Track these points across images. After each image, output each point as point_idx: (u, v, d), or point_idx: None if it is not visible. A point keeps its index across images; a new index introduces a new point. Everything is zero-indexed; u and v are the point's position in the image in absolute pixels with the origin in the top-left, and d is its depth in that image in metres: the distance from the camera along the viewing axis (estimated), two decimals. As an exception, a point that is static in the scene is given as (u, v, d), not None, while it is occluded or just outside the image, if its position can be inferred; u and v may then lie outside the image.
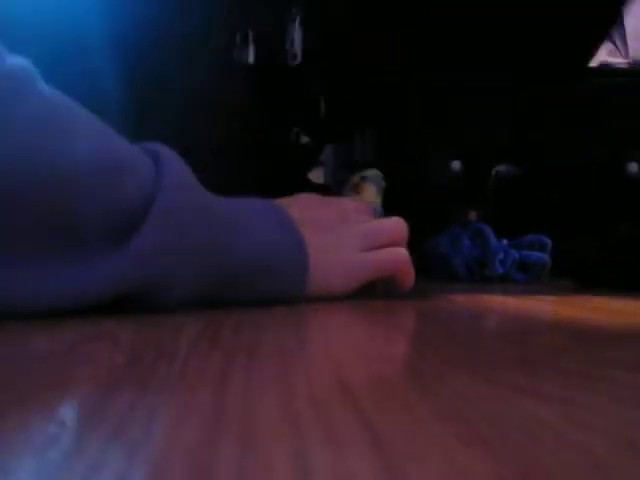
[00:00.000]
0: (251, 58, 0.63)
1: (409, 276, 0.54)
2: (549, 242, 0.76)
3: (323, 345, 0.32)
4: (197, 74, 0.64)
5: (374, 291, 0.55)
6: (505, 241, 0.77)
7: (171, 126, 0.64)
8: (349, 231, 0.52)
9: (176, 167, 0.41)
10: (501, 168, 0.81)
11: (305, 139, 0.67)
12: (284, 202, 0.51)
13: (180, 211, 0.40)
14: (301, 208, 0.51)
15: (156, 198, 0.39)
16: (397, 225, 0.55)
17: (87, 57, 0.63)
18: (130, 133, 0.63)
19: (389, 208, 0.83)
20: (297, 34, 0.66)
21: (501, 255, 0.76)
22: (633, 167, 0.76)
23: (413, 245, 0.81)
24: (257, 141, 0.69)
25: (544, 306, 0.52)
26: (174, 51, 0.64)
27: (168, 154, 0.42)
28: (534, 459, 0.16)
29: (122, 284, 0.38)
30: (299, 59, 0.66)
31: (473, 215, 0.81)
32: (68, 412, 0.20)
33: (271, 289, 0.46)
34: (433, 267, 0.79)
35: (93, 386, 0.23)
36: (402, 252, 0.53)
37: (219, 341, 0.32)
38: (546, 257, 0.76)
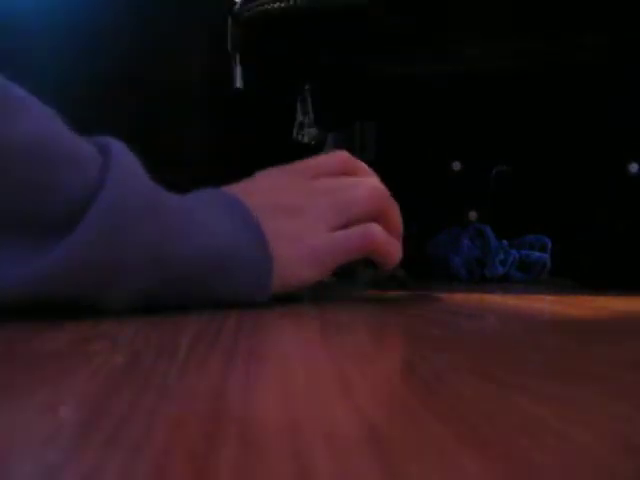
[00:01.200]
0: (239, 82, 0.62)
1: (389, 252, 0.49)
2: (549, 242, 0.76)
3: (323, 345, 0.32)
4: (193, 68, 0.65)
5: (357, 278, 0.54)
6: (505, 241, 0.77)
7: (169, 124, 0.65)
8: (317, 209, 0.47)
9: (125, 162, 0.39)
10: (501, 168, 0.81)
11: (306, 138, 0.67)
12: (242, 188, 0.46)
13: (124, 208, 0.37)
14: (260, 192, 0.47)
15: (98, 194, 0.36)
16: (374, 192, 0.50)
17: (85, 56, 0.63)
18: (129, 129, 0.63)
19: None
20: (307, 118, 0.66)
21: (501, 255, 0.76)
22: (634, 167, 0.76)
23: (413, 245, 0.81)
24: (256, 139, 0.69)
25: (544, 306, 0.52)
26: (170, 43, 0.64)
27: (119, 148, 0.40)
28: (533, 459, 0.16)
29: (48, 283, 0.36)
30: (309, 138, 0.67)
31: (473, 215, 0.81)
32: (67, 413, 0.20)
33: (231, 288, 0.43)
34: (433, 267, 0.79)
35: (92, 387, 0.23)
36: (375, 229, 0.48)
37: (219, 341, 0.32)
38: (546, 257, 0.76)
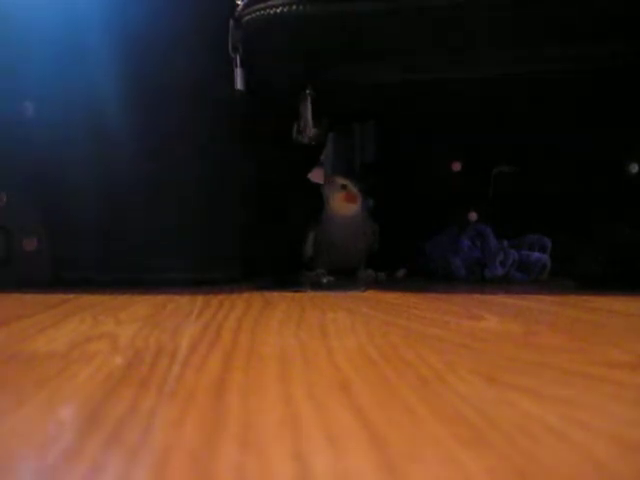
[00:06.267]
0: (240, 84, 0.63)
1: None
2: (549, 242, 0.76)
3: (323, 345, 0.32)
4: (194, 66, 0.65)
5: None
6: (505, 241, 0.77)
7: (173, 125, 0.65)
8: None
9: None
10: (501, 168, 0.81)
11: (306, 138, 0.67)
12: None
13: None
14: None
15: None
16: None
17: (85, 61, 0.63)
18: (132, 130, 0.63)
19: (390, 209, 0.83)
20: (309, 114, 0.66)
21: (501, 256, 0.76)
22: (634, 167, 0.76)
23: (413, 246, 0.81)
24: (253, 140, 0.69)
25: (544, 306, 0.52)
26: (175, 42, 0.64)
27: None
28: (533, 459, 0.16)
29: None
30: (309, 139, 0.67)
31: (473, 215, 0.81)
32: (67, 413, 0.20)
33: None
34: (433, 268, 0.80)
35: (92, 387, 0.23)
36: None
37: (219, 342, 0.32)
38: (546, 257, 0.76)
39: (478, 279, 0.76)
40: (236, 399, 0.22)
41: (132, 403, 0.21)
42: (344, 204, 0.74)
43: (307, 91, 0.65)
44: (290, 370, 0.26)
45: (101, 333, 0.34)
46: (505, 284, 0.73)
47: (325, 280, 0.70)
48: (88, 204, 0.65)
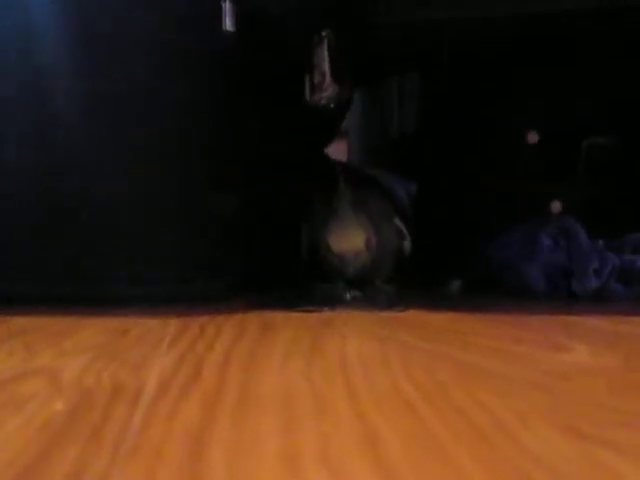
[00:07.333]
0: (228, 24, 0.63)
1: None
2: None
3: (343, 386, 0.32)
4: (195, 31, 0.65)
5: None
6: (601, 242, 0.76)
7: (140, 91, 0.65)
8: None
9: None
10: (594, 141, 0.81)
11: (324, 99, 0.68)
12: None
13: None
14: None
15: None
16: None
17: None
18: (84, 99, 0.64)
19: (440, 197, 0.83)
20: (326, 63, 0.66)
21: (595, 262, 0.75)
22: None
23: (471, 248, 0.81)
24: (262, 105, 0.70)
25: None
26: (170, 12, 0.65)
27: None
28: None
29: None
30: (328, 99, 0.67)
31: (556, 206, 0.81)
32: (-11, 476, 0.21)
33: None
34: (501, 278, 0.79)
35: (25, 440, 0.23)
36: None
37: (198, 381, 0.32)
38: (657, 264, 0.75)
39: (563, 294, 0.76)
40: (220, 459, 0.22)
41: (78, 463, 0.21)
42: None
43: (323, 33, 0.65)
44: (296, 420, 0.26)
45: (37, 368, 0.35)
46: (601, 301, 0.73)
47: (349, 295, 0.71)
48: (23, 197, 0.65)
